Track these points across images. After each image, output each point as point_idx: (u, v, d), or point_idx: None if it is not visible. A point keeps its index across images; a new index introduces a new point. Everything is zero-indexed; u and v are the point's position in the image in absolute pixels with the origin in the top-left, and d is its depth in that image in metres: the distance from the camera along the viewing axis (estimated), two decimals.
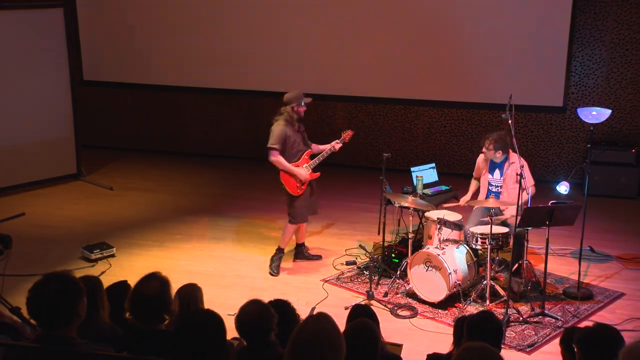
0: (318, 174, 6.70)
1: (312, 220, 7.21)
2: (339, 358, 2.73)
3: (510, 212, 6.26)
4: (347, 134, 6.81)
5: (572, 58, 9.19)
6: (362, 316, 3.78)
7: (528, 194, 5.98)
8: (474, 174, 6.84)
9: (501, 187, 6.48)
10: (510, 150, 6.41)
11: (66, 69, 9.42)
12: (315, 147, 6.74)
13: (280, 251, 6.84)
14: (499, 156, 6.43)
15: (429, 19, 9.53)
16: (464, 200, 6.73)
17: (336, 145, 6.71)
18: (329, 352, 2.67)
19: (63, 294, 3.01)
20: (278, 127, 6.52)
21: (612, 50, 9.09)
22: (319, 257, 7.07)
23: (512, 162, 6.41)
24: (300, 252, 7.06)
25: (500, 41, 9.31)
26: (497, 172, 6.52)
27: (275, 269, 6.74)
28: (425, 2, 9.53)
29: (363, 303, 5.85)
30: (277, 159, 6.49)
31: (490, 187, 6.58)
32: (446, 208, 6.71)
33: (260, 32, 10.17)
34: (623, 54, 9.06)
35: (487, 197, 6.51)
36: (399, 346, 4.36)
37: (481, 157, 6.69)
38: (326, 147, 6.69)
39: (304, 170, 6.58)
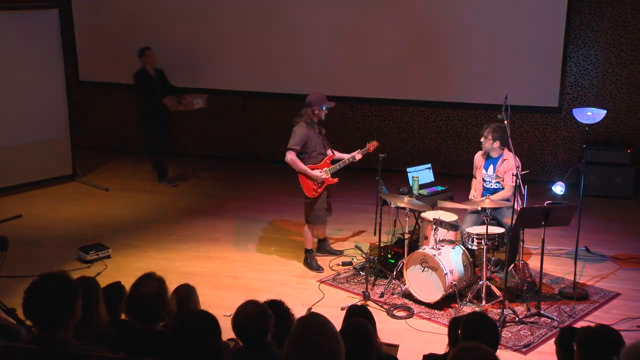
0: (336, 179, 6.75)
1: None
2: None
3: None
4: (373, 145, 6.82)
5: (567, 59, 9.21)
6: (358, 316, 3.78)
7: (524, 194, 5.99)
8: (474, 172, 6.82)
9: (493, 182, 6.50)
10: (506, 149, 6.43)
11: (62, 69, 9.41)
12: (337, 154, 6.80)
13: (308, 251, 6.89)
14: (496, 147, 6.44)
15: (424, 20, 9.53)
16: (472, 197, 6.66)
17: (357, 155, 6.75)
18: (328, 353, 2.67)
19: (59, 295, 3.00)
20: (300, 129, 6.56)
21: (607, 50, 9.11)
22: (341, 252, 7.15)
23: (506, 159, 6.42)
24: (323, 247, 7.15)
25: (496, 42, 9.32)
26: (490, 167, 6.54)
27: (316, 267, 6.80)
28: (420, 3, 9.54)
29: (359, 304, 5.85)
30: (293, 159, 6.54)
31: (484, 183, 6.60)
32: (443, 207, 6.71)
33: (255, 33, 10.16)
34: (618, 55, 9.08)
35: (482, 194, 6.54)
36: (395, 347, 4.36)
37: (478, 154, 6.70)
38: (346, 156, 6.74)
39: (319, 173, 6.60)
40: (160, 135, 9.39)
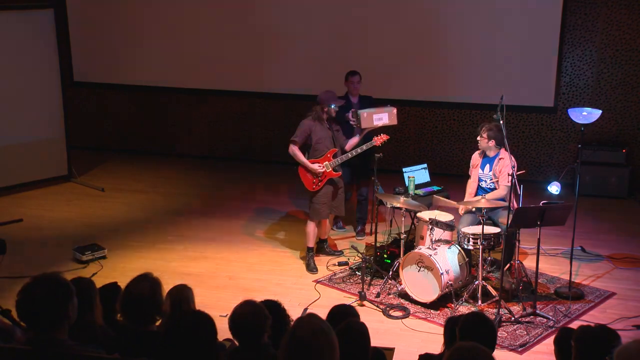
0: (339, 173, 6.76)
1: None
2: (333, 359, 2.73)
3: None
4: (381, 138, 6.77)
5: (562, 59, 9.23)
6: (343, 315, 3.77)
7: (519, 194, 6.00)
8: (470, 172, 6.80)
9: (489, 181, 6.51)
10: (503, 148, 6.44)
11: (57, 69, 9.37)
12: (351, 141, 6.86)
13: (309, 250, 6.89)
14: (491, 145, 6.45)
15: (420, 20, 9.54)
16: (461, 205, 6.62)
17: (360, 147, 6.73)
18: (324, 354, 2.67)
19: (52, 296, 2.99)
20: (305, 123, 6.70)
21: (602, 51, 9.13)
22: (340, 253, 7.14)
23: (502, 158, 6.44)
24: (322, 248, 7.13)
25: (492, 42, 9.34)
26: (487, 167, 6.55)
27: (313, 269, 6.79)
28: (416, 3, 9.54)
29: (355, 303, 5.85)
30: (293, 151, 6.64)
31: (480, 183, 6.61)
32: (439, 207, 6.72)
33: (251, 33, 10.15)
34: (613, 55, 9.10)
35: (477, 193, 6.55)
36: (391, 350, 4.36)
37: (475, 153, 6.71)
38: (352, 143, 6.80)
39: (318, 167, 6.64)
40: (354, 167, 7.54)
